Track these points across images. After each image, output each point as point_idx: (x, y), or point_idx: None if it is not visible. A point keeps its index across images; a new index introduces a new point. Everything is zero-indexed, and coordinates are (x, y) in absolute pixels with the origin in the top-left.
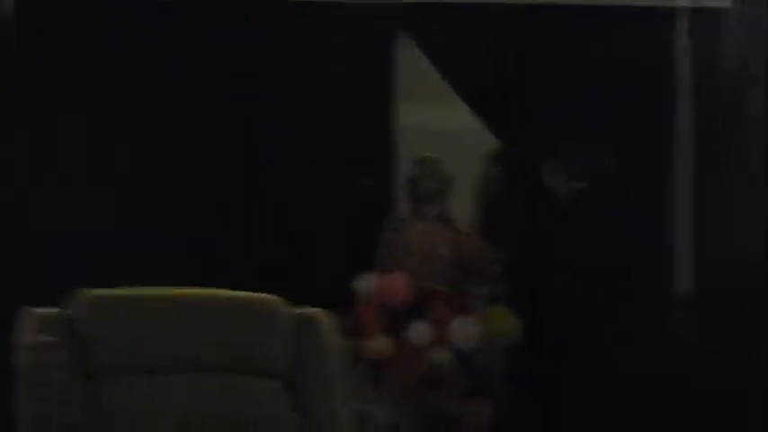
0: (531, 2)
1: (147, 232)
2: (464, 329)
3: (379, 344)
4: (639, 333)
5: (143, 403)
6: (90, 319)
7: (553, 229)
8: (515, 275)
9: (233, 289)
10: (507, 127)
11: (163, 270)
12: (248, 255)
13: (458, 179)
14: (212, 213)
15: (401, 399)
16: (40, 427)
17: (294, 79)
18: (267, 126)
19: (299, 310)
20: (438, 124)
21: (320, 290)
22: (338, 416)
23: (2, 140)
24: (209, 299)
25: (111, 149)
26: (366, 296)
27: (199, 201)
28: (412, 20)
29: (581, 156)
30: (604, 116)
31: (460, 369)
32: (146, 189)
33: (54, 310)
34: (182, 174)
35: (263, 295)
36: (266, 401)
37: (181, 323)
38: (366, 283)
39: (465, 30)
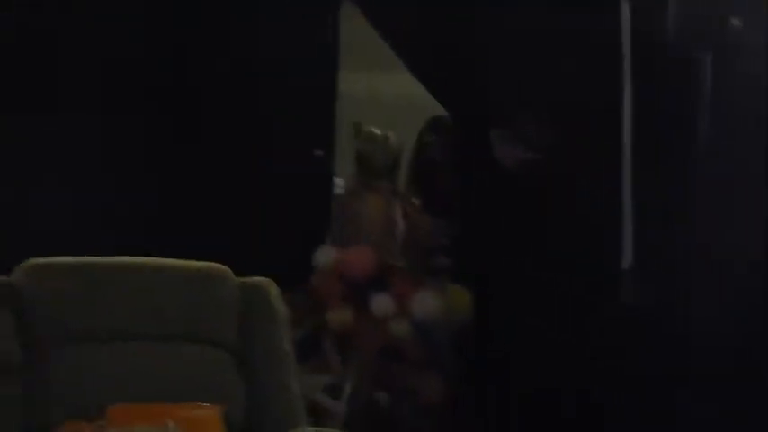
0: None
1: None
2: (425, 303)
3: (343, 315)
4: (589, 308)
5: (87, 372)
6: (33, 287)
7: (501, 200)
8: (462, 248)
9: (181, 258)
10: (453, 96)
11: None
12: (196, 224)
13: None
14: (161, 183)
15: (363, 371)
16: None
17: (236, 48)
18: (212, 97)
19: (245, 279)
20: (384, 92)
21: (271, 261)
22: (285, 384)
23: None
24: (156, 267)
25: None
26: (327, 268)
27: (148, 170)
28: None
29: (534, 125)
30: (551, 89)
31: (420, 342)
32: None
33: None
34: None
35: (210, 264)
36: (213, 371)
37: (126, 291)
38: (327, 256)
39: None
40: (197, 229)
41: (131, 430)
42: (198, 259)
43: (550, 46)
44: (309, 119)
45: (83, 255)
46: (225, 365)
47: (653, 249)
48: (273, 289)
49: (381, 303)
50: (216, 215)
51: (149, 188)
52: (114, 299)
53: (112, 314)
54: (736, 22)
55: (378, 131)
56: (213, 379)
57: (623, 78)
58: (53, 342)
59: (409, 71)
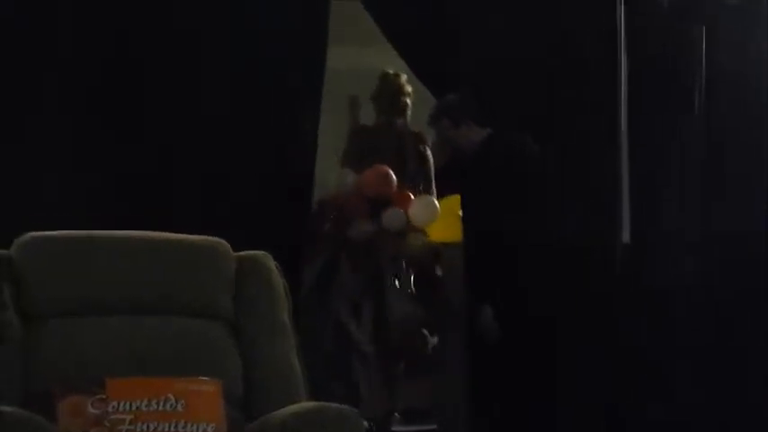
0: None
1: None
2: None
3: (363, 227)
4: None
5: (85, 344)
6: (31, 260)
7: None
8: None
9: (177, 232)
10: (433, 73)
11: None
12: (192, 197)
13: None
14: (153, 155)
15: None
16: None
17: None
18: (204, 69)
19: (242, 253)
20: (366, 66)
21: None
22: (284, 357)
23: None
24: (153, 241)
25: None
26: (349, 186)
27: (138, 143)
28: None
29: (471, 100)
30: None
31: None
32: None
33: None
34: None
35: (206, 238)
36: (211, 344)
37: (124, 265)
38: (348, 176)
39: None
40: (190, 204)
41: (132, 404)
42: (193, 233)
43: (546, 20)
44: (298, 91)
45: (80, 228)
46: (222, 339)
47: (650, 224)
48: (270, 262)
49: (394, 217)
50: (206, 189)
51: (146, 162)
52: (111, 272)
53: (109, 287)
54: None
55: (390, 71)
56: (211, 352)
57: (619, 52)
58: (51, 314)
59: (391, 45)
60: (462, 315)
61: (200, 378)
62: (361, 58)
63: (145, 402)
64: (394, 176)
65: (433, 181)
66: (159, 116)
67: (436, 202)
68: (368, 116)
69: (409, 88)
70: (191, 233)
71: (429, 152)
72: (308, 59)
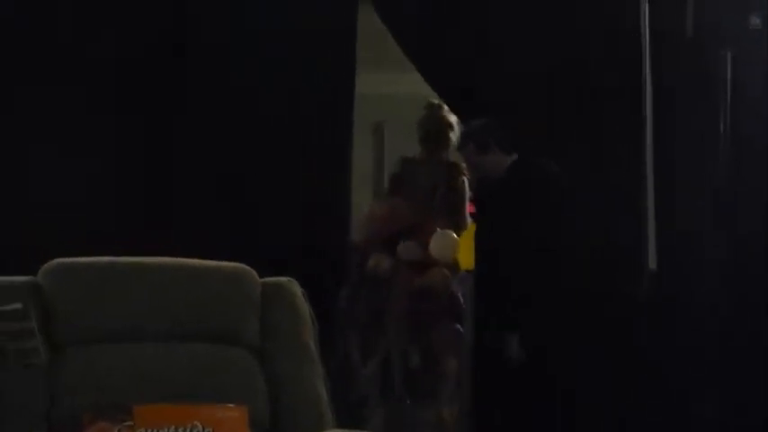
0: None
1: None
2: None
3: (377, 260)
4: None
5: (110, 372)
6: (57, 287)
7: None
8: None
9: (200, 258)
10: (458, 98)
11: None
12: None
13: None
14: (180, 180)
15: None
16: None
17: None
18: (234, 92)
19: (267, 279)
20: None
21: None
22: (310, 384)
23: None
24: (178, 267)
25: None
26: (371, 219)
27: (156, 164)
28: None
29: (496, 127)
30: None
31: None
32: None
33: (21, 278)
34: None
35: (232, 264)
36: (237, 371)
37: (149, 292)
38: (371, 208)
39: None
40: (216, 230)
41: (159, 431)
42: (219, 259)
43: (570, 44)
44: (327, 119)
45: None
46: (248, 366)
47: (676, 250)
48: (296, 288)
49: (409, 249)
50: (234, 215)
51: (173, 187)
52: (137, 299)
53: (134, 314)
54: (755, 20)
55: (434, 101)
56: (236, 379)
57: (644, 77)
58: (78, 341)
59: (417, 70)
60: (470, 339)
61: (227, 405)
62: (387, 83)
63: (172, 429)
64: (407, 210)
65: (466, 212)
66: (184, 140)
67: (454, 234)
68: (391, 143)
69: (453, 119)
70: (217, 260)
71: (465, 183)
72: (337, 85)
